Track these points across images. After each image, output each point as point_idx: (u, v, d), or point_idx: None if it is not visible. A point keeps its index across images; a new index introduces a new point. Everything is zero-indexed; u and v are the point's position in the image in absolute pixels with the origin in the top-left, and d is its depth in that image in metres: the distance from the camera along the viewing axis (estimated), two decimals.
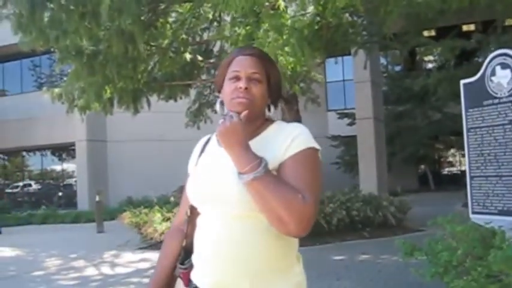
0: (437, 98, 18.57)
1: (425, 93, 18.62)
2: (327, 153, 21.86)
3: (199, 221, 1.85)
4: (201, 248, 1.80)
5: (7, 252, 11.48)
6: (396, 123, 21.73)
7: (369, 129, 16.73)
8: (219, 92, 1.91)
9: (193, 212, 1.90)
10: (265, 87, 1.83)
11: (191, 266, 1.86)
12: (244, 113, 1.72)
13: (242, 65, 1.82)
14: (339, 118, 22.77)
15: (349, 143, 21.56)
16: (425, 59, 24.15)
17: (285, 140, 1.73)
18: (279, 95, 1.93)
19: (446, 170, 29.20)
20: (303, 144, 1.72)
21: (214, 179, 1.77)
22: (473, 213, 4.61)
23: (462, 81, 4.58)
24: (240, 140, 1.65)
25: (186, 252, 1.91)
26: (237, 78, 1.80)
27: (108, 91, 10.04)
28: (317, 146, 1.76)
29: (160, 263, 2.02)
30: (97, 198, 14.98)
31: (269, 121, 1.89)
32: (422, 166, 26.36)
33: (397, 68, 25.56)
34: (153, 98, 11.80)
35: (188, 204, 1.94)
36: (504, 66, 4.34)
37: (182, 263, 1.92)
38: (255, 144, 1.71)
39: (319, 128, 21.91)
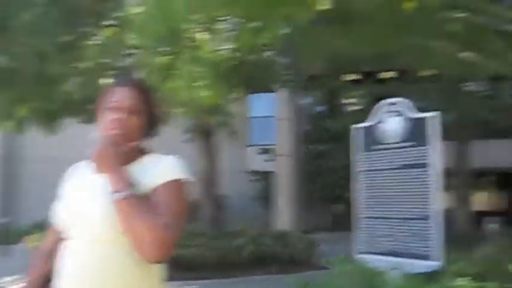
0: None
1: (344, 134, 19.02)
2: (245, 187, 21.84)
3: (65, 245, 1.86)
4: (62, 271, 1.82)
5: None
6: (317, 162, 21.97)
7: (287, 167, 16.89)
8: (98, 120, 1.94)
9: (61, 236, 1.91)
10: (142, 119, 1.88)
11: None
12: (112, 134, 1.78)
13: (120, 96, 1.86)
14: (259, 153, 22.81)
15: (267, 178, 21.60)
16: (348, 101, 24.67)
17: (159, 169, 1.80)
18: (156, 125, 1.98)
19: None
20: (174, 175, 1.79)
21: (81, 203, 1.80)
22: (360, 253, 4.76)
23: (353, 126, 4.77)
24: (113, 161, 1.71)
25: (52, 275, 1.91)
26: (114, 109, 1.84)
27: (22, 110, 9.72)
28: (187, 178, 1.82)
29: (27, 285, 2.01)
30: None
31: (146, 151, 1.94)
32: (338, 206, 26.67)
33: (321, 108, 25.89)
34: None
35: (57, 228, 1.94)
36: (392, 114, 4.56)
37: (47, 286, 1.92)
38: (131, 170, 1.76)
39: (237, 162, 21.80)
